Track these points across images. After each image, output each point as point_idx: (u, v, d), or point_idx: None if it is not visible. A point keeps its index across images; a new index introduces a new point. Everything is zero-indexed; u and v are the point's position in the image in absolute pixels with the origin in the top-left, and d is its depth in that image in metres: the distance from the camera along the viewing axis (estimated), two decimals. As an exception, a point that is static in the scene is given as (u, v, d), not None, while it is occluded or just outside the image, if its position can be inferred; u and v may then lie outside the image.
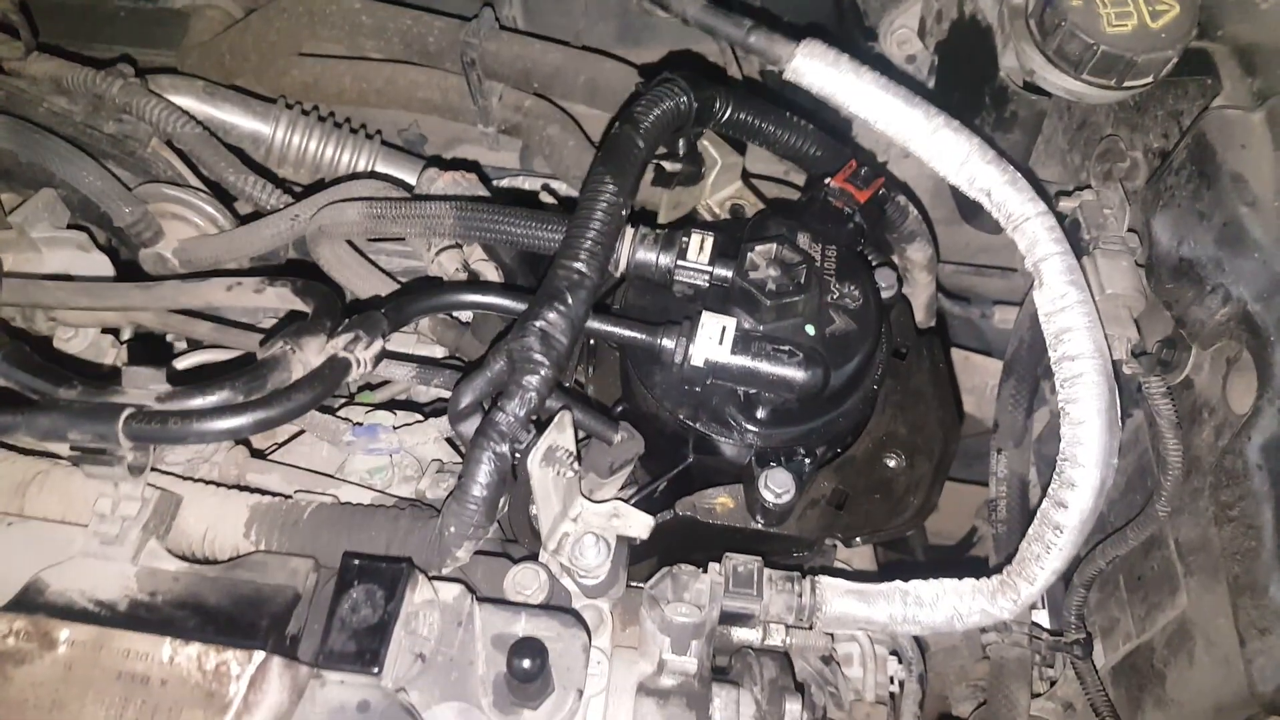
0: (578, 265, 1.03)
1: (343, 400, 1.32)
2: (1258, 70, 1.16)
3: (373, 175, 1.63)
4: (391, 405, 1.31)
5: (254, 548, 1.00)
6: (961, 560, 1.84)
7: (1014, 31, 1.26)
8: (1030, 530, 1.11)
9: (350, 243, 1.39)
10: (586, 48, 1.85)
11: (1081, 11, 1.13)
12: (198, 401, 0.94)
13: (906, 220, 1.44)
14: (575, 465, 0.97)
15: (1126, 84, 1.18)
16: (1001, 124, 1.43)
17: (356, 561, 0.88)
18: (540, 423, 1.00)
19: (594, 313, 1.08)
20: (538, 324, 1.00)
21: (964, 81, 1.50)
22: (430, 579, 0.96)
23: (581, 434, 1.17)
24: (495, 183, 1.84)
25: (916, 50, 1.70)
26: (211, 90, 1.75)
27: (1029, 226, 1.11)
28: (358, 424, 1.16)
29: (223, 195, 1.60)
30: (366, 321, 1.02)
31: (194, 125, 1.55)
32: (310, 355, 1.01)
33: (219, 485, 1.07)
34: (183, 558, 0.96)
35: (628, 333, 1.10)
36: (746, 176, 1.41)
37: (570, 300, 1.02)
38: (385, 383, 1.33)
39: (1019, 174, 1.14)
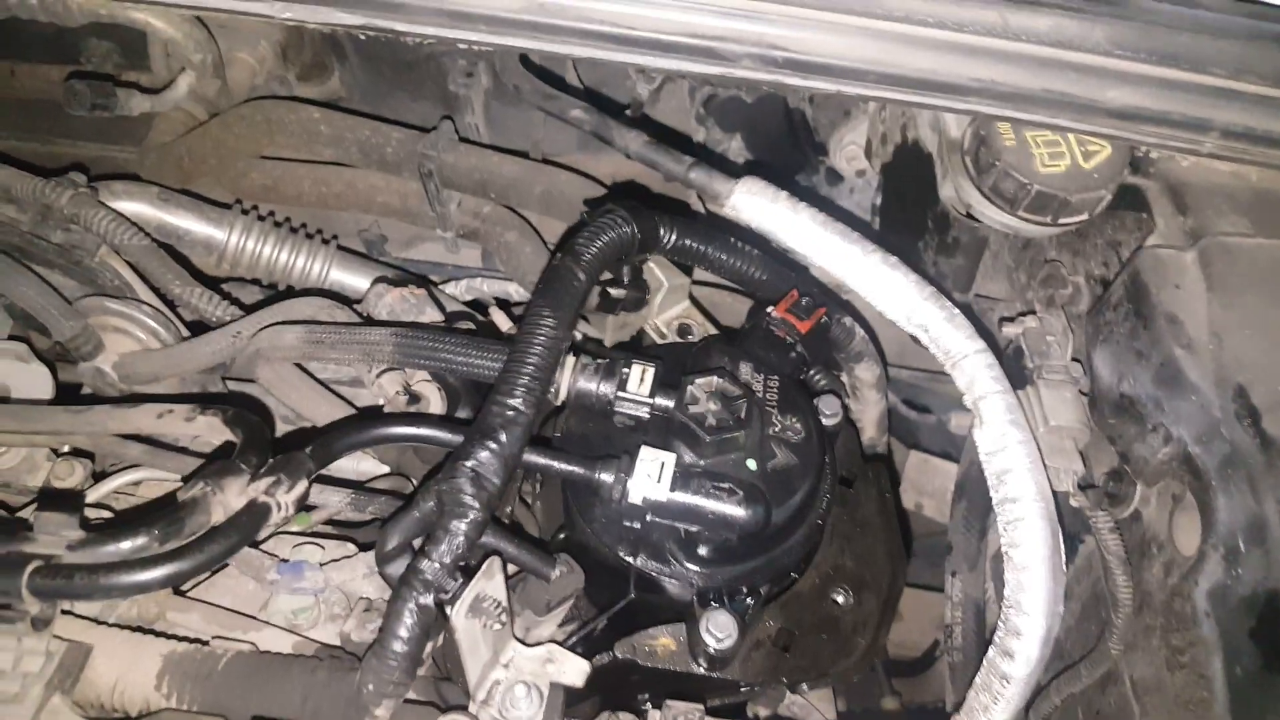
0: (513, 402, 1.01)
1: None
2: (1189, 209, 1.19)
3: (320, 293, 1.61)
4: (323, 529, 1.27)
5: (165, 701, 0.95)
6: (923, 697, 1.79)
7: (951, 165, 1.29)
8: (977, 679, 1.08)
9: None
10: (546, 158, 1.88)
11: (1015, 152, 1.15)
12: (110, 549, 0.90)
13: (853, 341, 1.45)
14: (504, 617, 0.93)
15: (1061, 220, 1.19)
16: (945, 248, 1.45)
17: (264, 726, 0.83)
18: (469, 568, 0.97)
19: (531, 446, 1.06)
20: (469, 464, 0.98)
21: (908, 204, 1.53)
22: (348, 738, 0.91)
23: (517, 569, 1.14)
24: (454, 283, 1.84)
25: (865, 166, 1.73)
26: (166, 196, 1.74)
27: (967, 364, 1.12)
28: (283, 560, 1.12)
29: (173, 308, 1.59)
30: (290, 464, 0.99)
31: (141, 237, 1.53)
32: (231, 497, 0.98)
33: (133, 629, 1.03)
34: (88, 712, 0.91)
35: (565, 466, 1.08)
36: (693, 296, 1.41)
37: (504, 438, 1.00)
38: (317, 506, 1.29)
39: (956, 311, 1.14)
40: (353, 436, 1.05)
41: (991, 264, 1.63)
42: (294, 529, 1.29)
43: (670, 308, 1.37)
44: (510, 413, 1.01)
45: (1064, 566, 1.07)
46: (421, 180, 1.75)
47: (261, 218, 1.78)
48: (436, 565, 0.94)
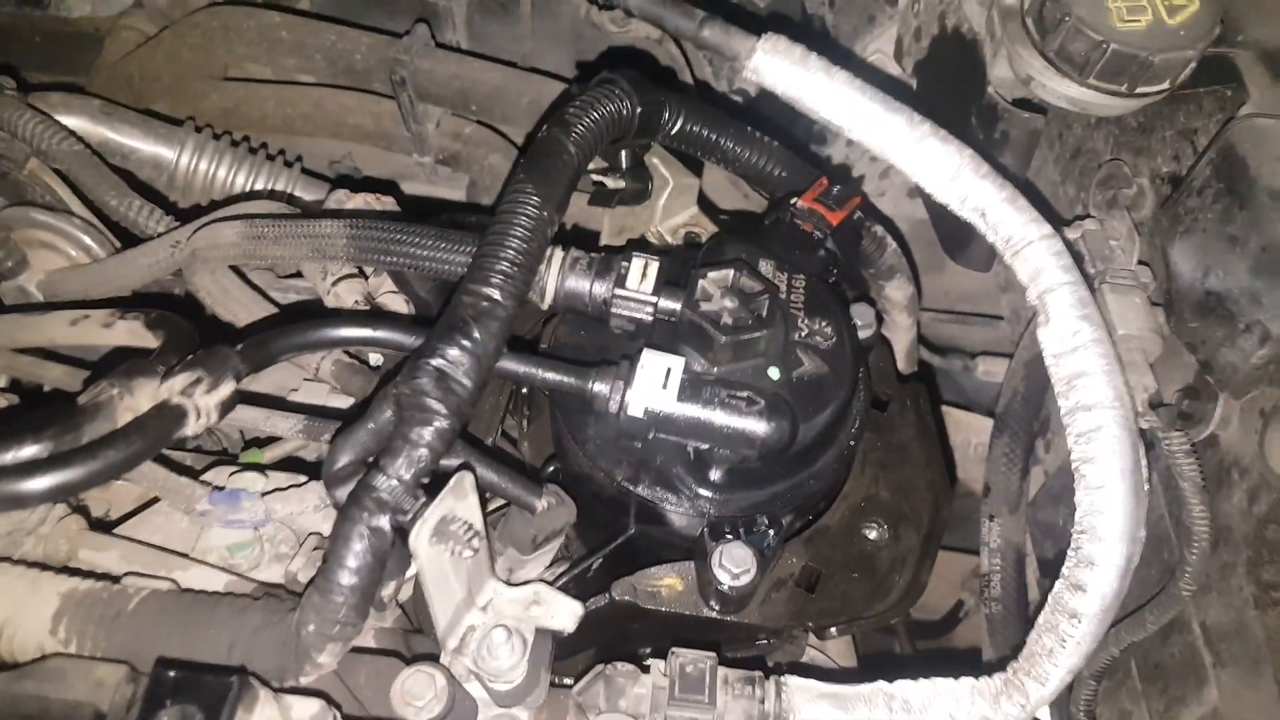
0: (488, 291, 0.84)
1: (220, 460, 1.10)
2: (1288, 76, 1.01)
3: (270, 195, 1.43)
4: (284, 465, 1.09)
5: (60, 646, 0.77)
6: (952, 652, 1.62)
7: (1007, 35, 1.11)
8: (1040, 619, 0.91)
9: (240, 272, 1.19)
10: (535, 69, 1.69)
11: (1088, 5, 0.97)
12: (-12, 459, 0.72)
13: (884, 254, 1.27)
14: (475, 542, 0.76)
15: (1139, 90, 1.02)
16: (991, 146, 1.27)
17: (171, 673, 0.66)
18: (434, 486, 0.79)
19: (511, 351, 0.88)
20: (433, 362, 0.80)
21: (947, 102, 1.35)
22: (285, 691, 0.74)
23: (500, 501, 0.97)
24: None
25: (893, 74, 1.55)
26: (109, 110, 1.56)
27: (1031, 253, 0.94)
28: (217, 488, 0.95)
29: (114, 225, 1.41)
30: (212, 360, 0.82)
31: (73, 142, 1.35)
32: (142, 400, 0.80)
33: (36, 566, 0.85)
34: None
35: (552, 375, 0.90)
36: (704, 202, 1.23)
37: (477, 333, 0.82)
38: (274, 439, 1.11)
39: (1017, 192, 0.97)
40: (293, 336, 0.87)
41: (1034, 182, 1.46)
42: (245, 462, 1.12)
43: (677, 213, 1.19)
44: (485, 303, 0.83)
45: (1145, 485, 0.89)
46: (394, 91, 1.57)
47: (216, 136, 1.60)
48: (393, 481, 0.77)
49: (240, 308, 1.15)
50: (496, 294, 0.84)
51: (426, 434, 0.78)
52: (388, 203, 1.23)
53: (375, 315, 0.98)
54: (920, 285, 1.37)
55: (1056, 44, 1.02)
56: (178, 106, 1.72)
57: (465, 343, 0.81)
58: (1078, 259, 1.16)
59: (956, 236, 1.41)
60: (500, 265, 0.85)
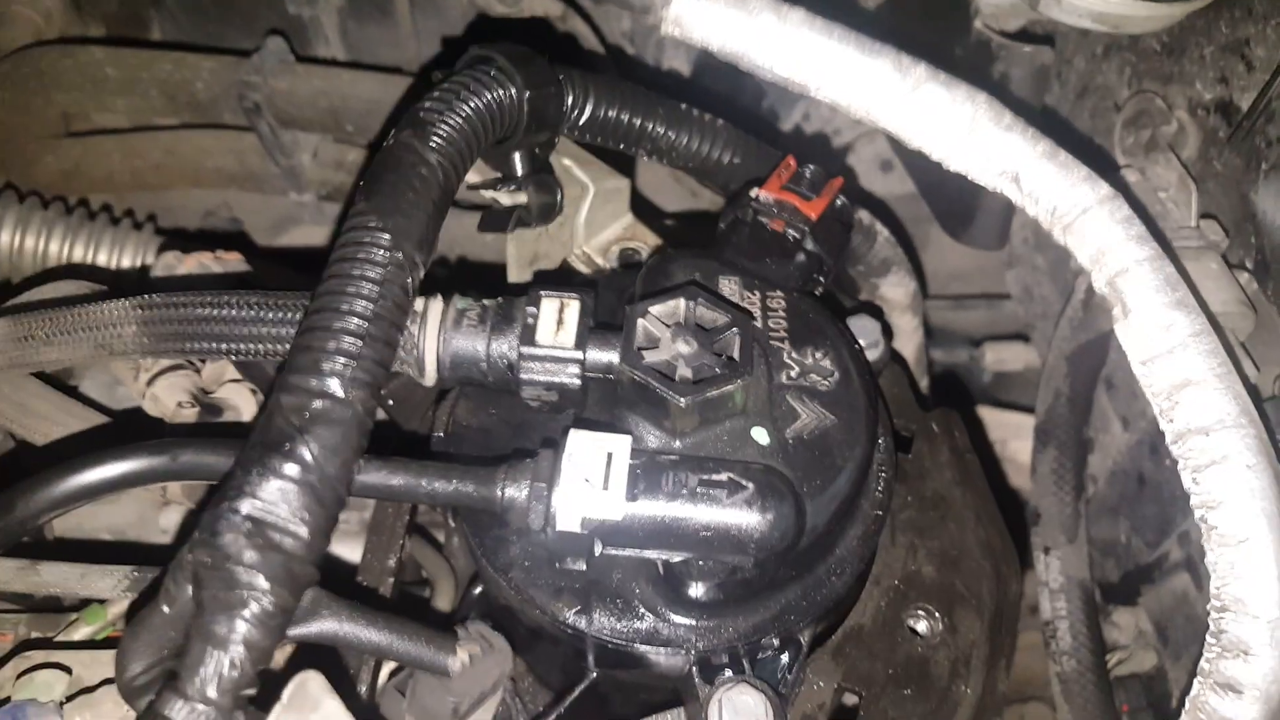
0: (319, 384, 0.56)
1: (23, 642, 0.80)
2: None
3: (67, 271, 1.14)
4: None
5: None
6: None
7: (1001, -56, 0.85)
8: (1184, 734, 0.65)
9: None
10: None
11: (1112, -119, 0.72)
12: None
13: (875, 244, 1.00)
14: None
15: (1186, -8, 0.76)
16: (987, 89, 1.01)
17: None
18: (268, 688, 0.51)
19: (373, 458, 0.60)
20: (242, 509, 0.52)
21: (922, 48, 1.09)
22: None
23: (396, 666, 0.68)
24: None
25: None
26: (-98, 191, 1.26)
27: (1090, 224, 0.68)
28: (3, 701, 0.66)
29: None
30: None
31: None
32: None
33: None
34: None
35: (443, 486, 0.62)
36: (641, 207, 0.96)
37: (306, 452, 0.54)
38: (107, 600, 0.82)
39: (1057, 146, 0.70)
40: (44, 490, 0.59)
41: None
42: (80, 634, 0.82)
43: (605, 225, 0.91)
44: (317, 402, 0.55)
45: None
46: (249, 121, 1.29)
47: (45, 204, 1.30)
48: (199, 706, 0.48)
49: (44, 422, 0.86)
50: (334, 385, 0.56)
51: (240, 625, 0.50)
52: (232, 259, 0.95)
53: (172, 438, 0.68)
54: (925, 276, 1.11)
55: (1075, -61, 0.76)
56: (9, 175, 1.43)
57: (290, 469, 0.53)
58: (1125, 221, 0.91)
59: (958, 212, 1.16)
60: (335, 343, 0.57)
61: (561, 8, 1.24)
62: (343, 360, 0.57)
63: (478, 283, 0.75)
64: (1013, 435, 1.52)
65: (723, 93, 1.42)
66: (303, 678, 0.51)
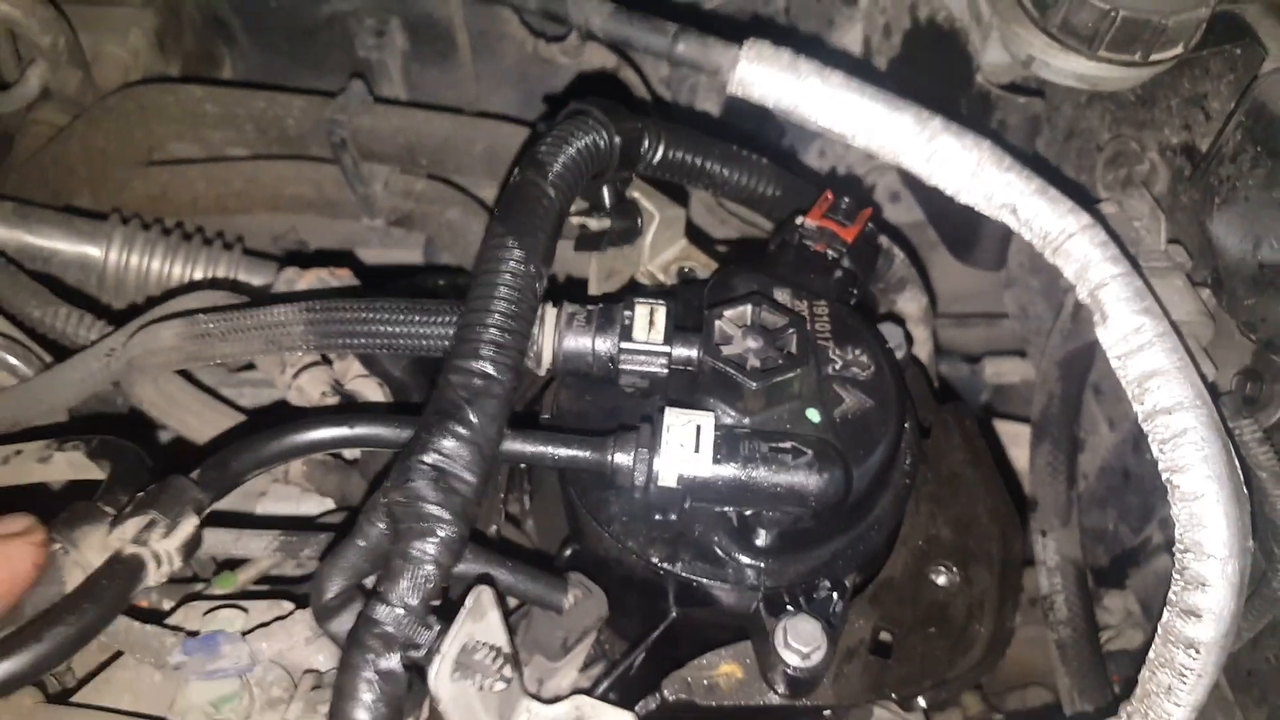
0: (480, 366, 0.72)
1: (188, 595, 0.95)
2: (1309, 23, 0.93)
3: (212, 284, 1.30)
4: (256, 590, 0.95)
5: None
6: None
7: (999, 15, 1.02)
8: (1152, 653, 0.81)
9: (189, 374, 1.06)
10: (484, 114, 1.58)
11: (1090, -29, 0.89)
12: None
13: (893, 265, 1.17)
14: (506, 670, 0.63)
15: (1154, 57, 0.93)
16: (989, 138, 1.18)
17: None
18: (447, 607, 0.67)
19: (512, 429, 0.76)
20: (427, 460, 0.67)
21: (931, 98, 1.26)
22: None
23: (517, 603, 0.84)
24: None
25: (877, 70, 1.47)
26: (23, 212, 1.41)
27: (1075, 246, 0.84)
28: (191, 633, 0.80)
29: (42, 339, 1.26)
30: (166, 494, 0.69)
31: (-17, 255, 1.21)
32: (90, 554, 0.67)
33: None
34: None
35: (565, 452, 0.78)
36: (691, 233, 1.13)
37: (473, 418, 0.70)
38: (244, 561, 0.97)
39: (1047, 183, 0.87)
40: (257, 449, 0.74)
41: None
42: (216, 593, 0.97)
43: (665, 247, 1.08)
44: (478, 381, 0.71)
45: (1245, 486, 0.79)
46: (335, 155, 1.45)
47: (146, 226, 1.46)
48: (399, 610, 0.64)
49: (193, 417, 1.01)
50: (490, 368, 0.72)
51: (430, 548, 0.65)
52: (344, 276, 1.11)
53: (350, 410, 0.85)
54: (934, 294, 1.28)
55: (1059, 18, 0.93)
56: (100, 199, 1.59)
57: (462, 431, 0.69)
58: (1106, 246, 1.08)
59: (963, 237, 1.33)
60: (489, 334, 0.73)
61: (616, 60, 1.41)
62: (495, 348, 0.73)
63: (560, 292, 0.90)
64: (1011, 443, 1.68)
65: (748, 130, 1.59)
66: (479, 590, 0.66)
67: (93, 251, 1.41)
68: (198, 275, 1.43)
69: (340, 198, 1.56)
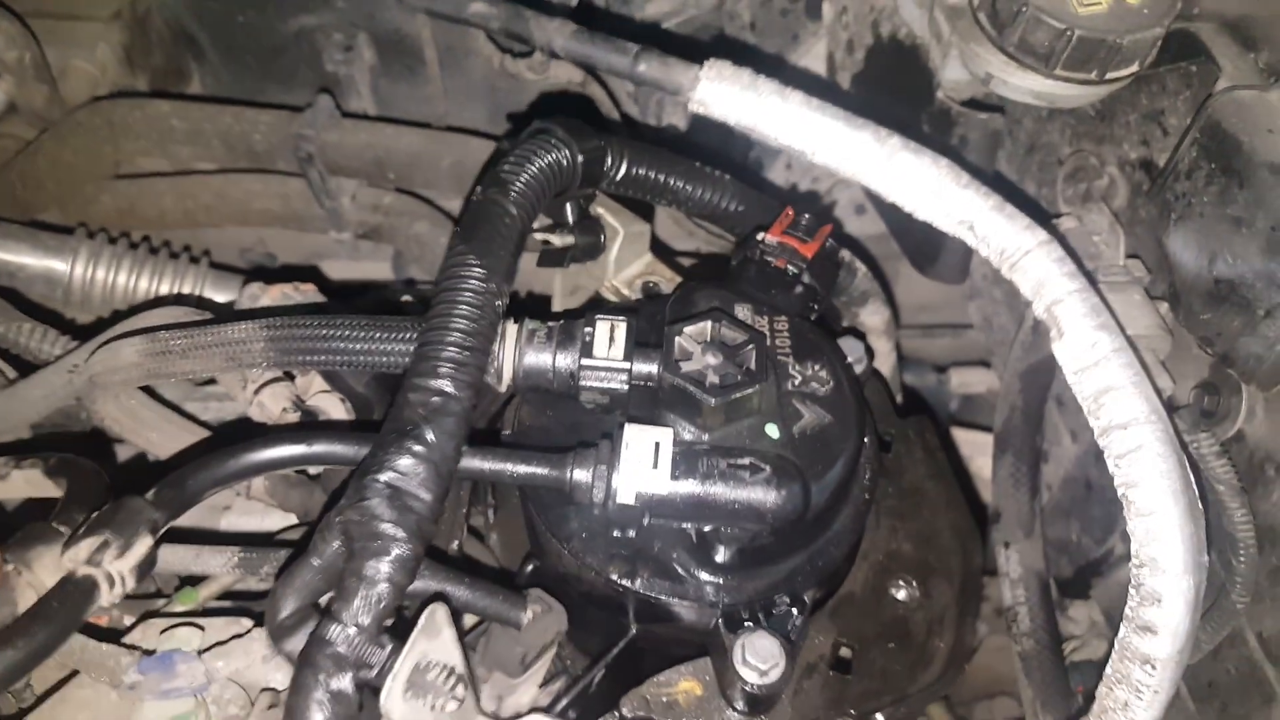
0: (438, 384, 0.72)
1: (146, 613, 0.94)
2: (1259, 43, 0.95)
3: (177, 299, 1.29)
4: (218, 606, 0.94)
5: None
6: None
7: (958, 33, 1.04)
8: (1109, 669, 0.81)
9: (152, 390, 1.05)
10: (452, 128, 1.59)
11: (1044, -8, 0.91)
12: None
13: (856, 279, 1.18)
14: (459, 690, 0.63)
15: (1109, 75, 0.95)
16: (949, 153, 1.19)
17: None
18: (401, 626, 0.66)
19: (471, 446, 0.76)
20: (383, 478, 0.67)
21: (893, 113, 1.28)
22: None
23: (476, 619, 0.83)
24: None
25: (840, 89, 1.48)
26: (-15, 226, 1.40)
27: (1031, 263, 0.85)
28: (147, 652, 0.80)
29: (5, 354, 1.24)
30: (120, 515, 0.68)
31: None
32: (43, 574, 0.66)
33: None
34: None
35: (524, 469, 0.78)
36: (656, 247, 1.13)
37: (430, 435, 0.70)
38: (205, 577, 0.96)
39: (1004, 200, 0.88)
40: (213, 468, 0.74)
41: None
42: (177, 610, 0.96)
43: (630, 262, 1.08)
44: (436, 399, 0.71)
45: (1200, 503, 0.80)
46: (302, 170, 1.45)
47: (113, 240, 1.45)
48: (351, 630, 0.63)
49: (155, 433, 1.00)
50: (449, 386, 0.72)
51: (384, 567, 0.65)
52: (309, 291, 1.10)
53: (309, 428, 0.84)
54: (896, 307, 1.29)
55: (1016, 37, 0.95)
56: (68, 213, 1.58)
57: (418, 449, 0.69)
58: (1065, 261, 1.09)
59: (925, 251, 1.34)
60: (448, 353, 0.73)
61: (583, 75, 1.42)
62: (453, 366, 0.73)
63: (524, 308, 0.91)
64: (977, 453, 1.69)
65: (715, 145, 1.61)
66: (433, 608, 0.66)
67: (58, 266, 1.40)
68: (164, 290, 1.42)
69: (308, 211, 1.56)
